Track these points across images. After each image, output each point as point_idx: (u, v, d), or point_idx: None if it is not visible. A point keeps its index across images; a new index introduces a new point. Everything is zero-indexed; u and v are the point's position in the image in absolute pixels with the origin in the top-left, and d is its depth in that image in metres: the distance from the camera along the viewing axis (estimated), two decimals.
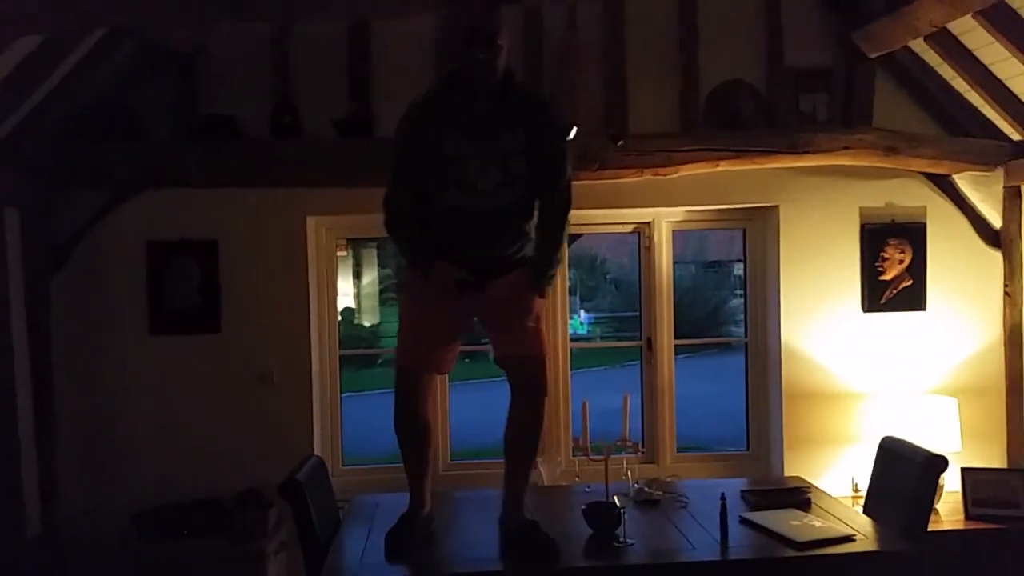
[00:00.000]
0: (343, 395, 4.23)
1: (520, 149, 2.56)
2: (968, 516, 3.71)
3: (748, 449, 4.27)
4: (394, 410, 2.65)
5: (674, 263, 4.20)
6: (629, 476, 2.96)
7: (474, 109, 2.55)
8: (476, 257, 2.58)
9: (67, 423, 3.76)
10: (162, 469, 3.84)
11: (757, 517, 2.72)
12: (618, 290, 17.03)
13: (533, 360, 2.63)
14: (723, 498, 2.63)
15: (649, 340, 4.18)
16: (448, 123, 2.54)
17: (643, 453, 3.63)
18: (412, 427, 2.65)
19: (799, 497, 2.96)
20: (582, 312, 17.09)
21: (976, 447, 3.96)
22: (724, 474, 4.06)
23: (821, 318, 4.05)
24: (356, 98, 3.83)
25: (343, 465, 4.14)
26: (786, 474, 3.98)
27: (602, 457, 2.83)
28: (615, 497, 2.68)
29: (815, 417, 4.04)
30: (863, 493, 3.93)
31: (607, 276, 17.93)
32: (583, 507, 2.67)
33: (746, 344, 4.28)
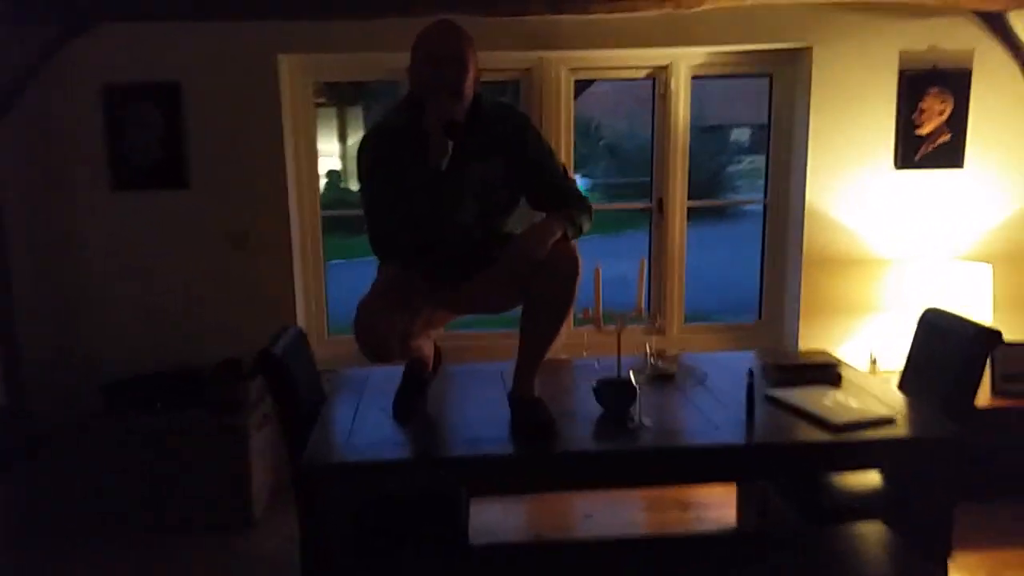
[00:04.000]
0: (330, 263, 3.91)
1: (499, 177, 2.26)
2: (995, 391, 3.49)
3: (760, 318, 4.01)
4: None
5: None
6: (648, 350, 2.68)
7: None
8: (452, 272, 2.39)
9: (26, 288, 3.45)
10: (134, 338, 3.58)
11: (785, 395, 2.47)
12: (613, 156, 16.47)
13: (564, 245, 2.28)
14: (750, 374, 2.37)
15: (660, 202, 3.84)
16: (412, 155, 2.18)
17: (660, 325, 3.35)
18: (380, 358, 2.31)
19: (829, 372, 2.71)
20: (577, 177, 16.62)
21: (1010, 318, 3.71)
22: (735, 346, 3.82)
23: (849, 176, 3.70)
24: None
25: (328, 335, 3.86)
26: (801, 345, 3.75)
27: (614, 328, 2.53)
28: (630, 372, 2.40)
29: (836, 284, 3.76)
30: (881, 368, 3.72)
31: (601, 141, 17.32)
32: (593, 384, 2.41)
33: (765, 205, 3.94)
